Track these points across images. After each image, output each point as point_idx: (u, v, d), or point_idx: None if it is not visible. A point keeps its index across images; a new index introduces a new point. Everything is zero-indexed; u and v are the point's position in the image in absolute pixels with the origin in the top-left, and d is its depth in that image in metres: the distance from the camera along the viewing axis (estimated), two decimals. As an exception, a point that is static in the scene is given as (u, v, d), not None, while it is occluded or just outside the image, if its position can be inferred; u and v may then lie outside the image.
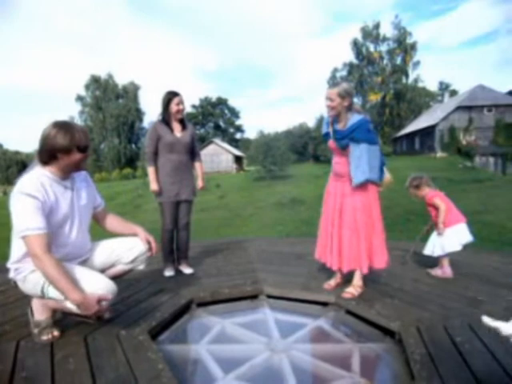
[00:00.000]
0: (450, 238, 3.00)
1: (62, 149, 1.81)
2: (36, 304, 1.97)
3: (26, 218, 1.72)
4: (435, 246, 3.06)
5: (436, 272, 3.07)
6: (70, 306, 1.86)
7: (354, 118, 2.59)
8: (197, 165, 3.45)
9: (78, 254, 2.03)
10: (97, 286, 1.84)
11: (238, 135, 65.06)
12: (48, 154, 1.83)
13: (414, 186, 3.14)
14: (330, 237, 2.75)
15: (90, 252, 2.12)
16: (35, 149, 1.96)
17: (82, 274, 1.88)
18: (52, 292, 1.84)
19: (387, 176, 2.75)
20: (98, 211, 2.23)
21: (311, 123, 51.00)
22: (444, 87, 52.67)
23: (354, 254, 2.64)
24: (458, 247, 3.00)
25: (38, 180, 1.82)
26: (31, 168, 1.90)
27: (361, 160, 2.55)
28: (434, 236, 3.11)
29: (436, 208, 3.06)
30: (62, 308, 1.94)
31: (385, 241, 2.70)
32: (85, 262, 2.07)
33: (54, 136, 1.79)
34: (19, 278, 1.89)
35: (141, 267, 2.23)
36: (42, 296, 1.88)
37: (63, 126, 1.82)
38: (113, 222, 2.28)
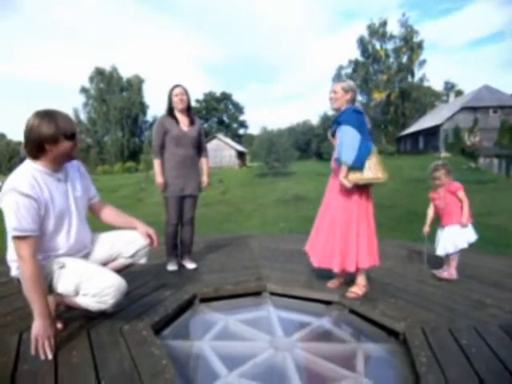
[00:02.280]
0: (462, 234, 2.97)
1: (49, 138, 1.73)
2: None
3: (16, 217, 1.66)
4: (446, 243, 3.00)
5: (442, 274, 3.03)
6: (79, 300, 1.86)
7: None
8: (203, 160, 3.43)
9: (81, 247, 2.01)
10: (107, 282, 1.83)
11: (242, 131, 64.94)
12: (35, 146, 1.75)
13: (447, 171, 3.04)
14: (317, 233, 2.79)
15: (91, 245, 2.10)
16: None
17: (92, 270, 1.87)
18: (61, 287, 1.83)
19: (359, 174, 2.51)
20: (93, 202, 2.17)
21: (315, 121, 50.86)
22: (449, 87, 52.33)
23: (327, 252, 2.65)
24: (465, 245, 2.97)
25: (31, 175, 1.75)
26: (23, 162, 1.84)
27: (341, 141, 2.53)
28: (442, 235, 3.05)
29: (457, 200, 3.00)
30: (70, 303, 1.94)
31: (371, 243, 2.63)
32: (86, 257, 2.06)
33: (38, 126, 1.71)
34: None
35: (142, 261, 2.19)
36: (50, 291, 1.87)
37: (46, 115, 1.74)
38: (110, 213, 2.22)
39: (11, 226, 1.67)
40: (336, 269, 2.63)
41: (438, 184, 3.09)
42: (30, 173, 1.76)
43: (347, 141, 2.48)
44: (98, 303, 1.85)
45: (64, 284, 1.83)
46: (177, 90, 3.15)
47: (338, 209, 2.62)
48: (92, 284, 1.82)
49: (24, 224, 1.68)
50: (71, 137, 1.80)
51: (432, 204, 3.20)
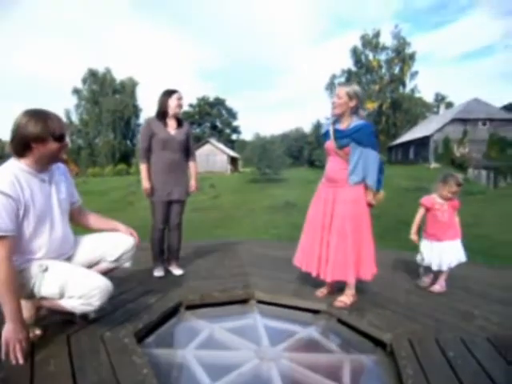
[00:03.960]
0: (462, 249, 3.00)
1: (35, 137, 1.71)
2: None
3: None
4: (450, 258, 2.94)
5: (434, 288, 2.96)
6: (64, 303, 1.81)
7: (358, 121, 2.57)
8: (191, 164, 3.37)
9: (63, 250, 1.95)
10: (94, 283, 1.79)
11: (234, 136, 64.91)
12: (21, 143, 1.72)
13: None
14: (319, 245, 2.67)
15: (74, 248, 2.04)
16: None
17: (77, 271, 1.83)
18: (45, 290, 1.77)
19: (381, 192, 2.66)
20: (74, 208, 2.12)
21: (307, 128, 51.18)
22: (440, 99, 53.12)
23: (340, 264, 2.58)
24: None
25: (12, 174, 1.71)
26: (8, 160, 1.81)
27: (359, 162, 2.52)
28: (444, 249, 2.96)
29: (453, 215, 3.03)
30: (53, 306, 1.88)
31: (373, 252, 2.65)
32: (69, 260, 1.99)
33: (26, 124, 1.69)
34: None
35: (127, 265, 2.15)
36: (32, 296, 1.81)
37: (35, 114, 1.73)
38: (90, 218, 2.20)
39: None
40: (351, 280, 2.58)
41: (449, 197, 3.01)
42: (12, 171, 1.72)
43: (374, 166, 2.54)
44: (83, 305, 1.80)
45: (48, 287, 1.77)
46: (178, 95, 3.11)
47: (346, 219, 2.56)
48: (78, 285, 1.77)
49: (0, 223, 1.62)
50: (59, 138, 1.77)
51: (424, 212, 3.10)
